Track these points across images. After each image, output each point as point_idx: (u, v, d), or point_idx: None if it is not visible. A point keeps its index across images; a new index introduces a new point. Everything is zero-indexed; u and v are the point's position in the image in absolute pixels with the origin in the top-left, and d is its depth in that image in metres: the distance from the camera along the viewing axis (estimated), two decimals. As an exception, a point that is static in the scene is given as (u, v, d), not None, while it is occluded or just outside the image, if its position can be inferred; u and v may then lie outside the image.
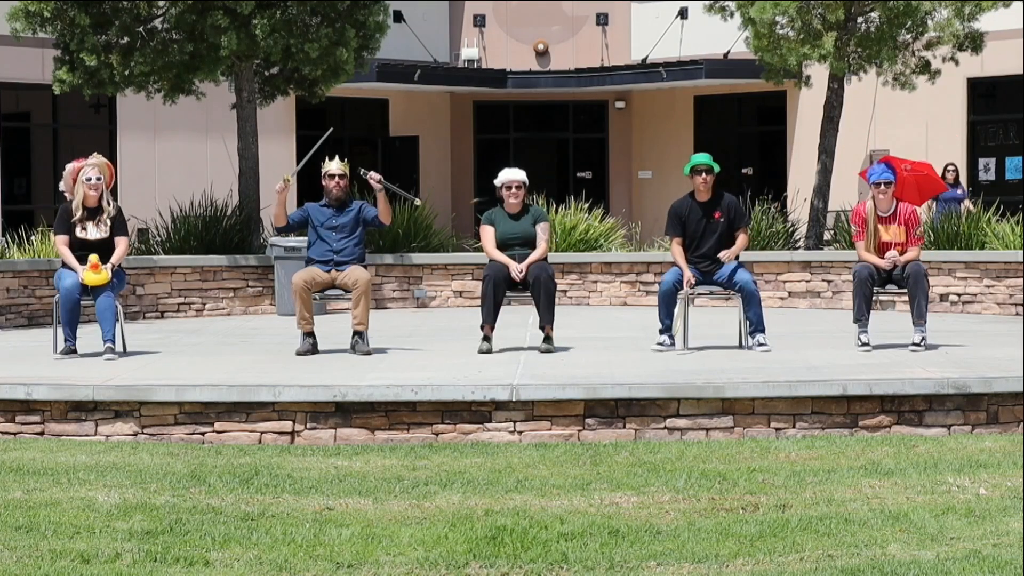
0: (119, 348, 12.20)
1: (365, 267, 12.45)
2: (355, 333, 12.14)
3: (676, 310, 12.26)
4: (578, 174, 28.14)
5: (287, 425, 9.81)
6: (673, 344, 12.18)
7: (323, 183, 12.51)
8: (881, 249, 12.16)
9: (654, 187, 27.44)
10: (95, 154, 12.54)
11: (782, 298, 17.97)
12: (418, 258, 18.54)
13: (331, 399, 9.79)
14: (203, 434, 9.84)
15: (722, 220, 12.21)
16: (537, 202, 12.62)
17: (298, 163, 12.44)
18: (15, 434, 9.98)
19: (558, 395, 9.76)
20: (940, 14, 18.96)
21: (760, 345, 12.00)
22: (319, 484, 8.21)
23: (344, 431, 9.78)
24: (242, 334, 14.75)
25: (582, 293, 18.58)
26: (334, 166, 12.53)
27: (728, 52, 25.71)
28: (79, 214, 12.19)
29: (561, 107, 28.50)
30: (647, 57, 27.02)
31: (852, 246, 15.42)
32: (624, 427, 9.74)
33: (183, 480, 8.33)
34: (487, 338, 12.11)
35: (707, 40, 25.87)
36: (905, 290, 12.10)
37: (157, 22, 18.02)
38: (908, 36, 19.22)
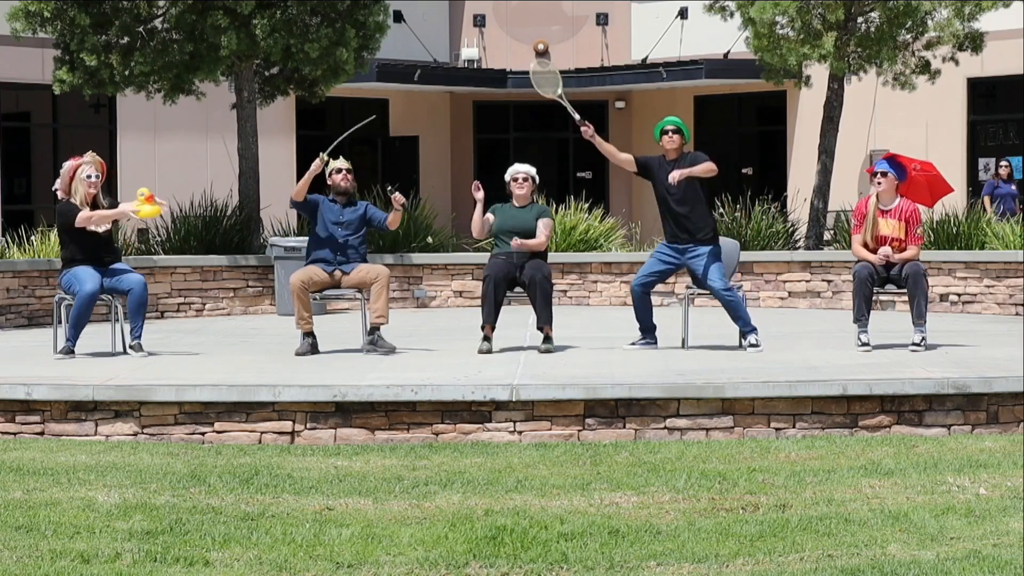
0: (118, 348, 12.24)
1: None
2: (373, 329, 12.08)
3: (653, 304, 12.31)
4: (578, 174, 28.15)
5: (287, 425, 9.81)
6: (654, 342, 12.22)
7: (329, 180, 12.50)
8: (878, 242, 12.13)
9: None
10: (90, 152, 12.55)
11: (782, 298, 17.97)
12: (418, 258, 18.54)
13: (331, 399, 9.79)
14: (203, 434, 9.84)
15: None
16: (538, 202, 12.60)
17: (333, 144, 12.51)
18: (15, 434, 9.98)
19: (558, 395, 9.76)
20: (940, 14, 18.97)
21: (752, 346, 12.01)
22: (319, 484, 8.21)
23: (344, 431, 9.78)
24: (242, 334, 14.75)
25: (582, 293, 18.58)
26: (340, 162, 12.58)
27: (728, 52, 25.71)
28: (86, 210, 12.21)
29: (561, 107, 28.50)
30: (647, 57, 27.02)
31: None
32: (624, 427, 9.74)
33: (183, 480, 8.33)
34: (487, 338, 12.11)
35: (707, 40, 25.86)
36: (905, 290, 12.10)
37: (157, 22, 18.02)
38: (908, 36, 19.22)
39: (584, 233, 19.23)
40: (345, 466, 8.79)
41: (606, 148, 12.60)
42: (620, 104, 28.02)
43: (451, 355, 12.01)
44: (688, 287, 12.85)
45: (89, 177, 12.18)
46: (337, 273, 12.31)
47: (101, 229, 12.24)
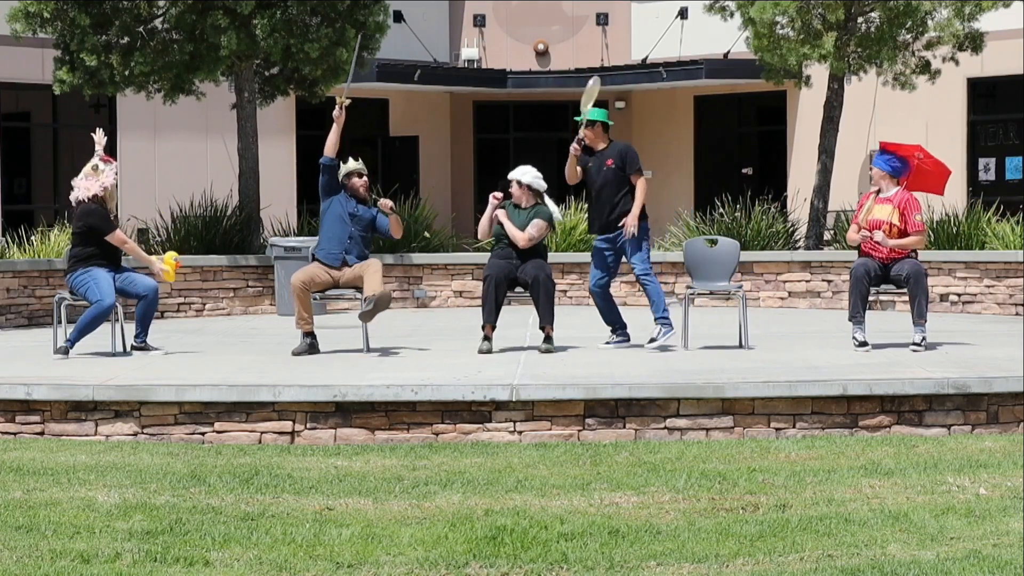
0: (118, 348, 12.26)
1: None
2: (368, 299, 12.14)
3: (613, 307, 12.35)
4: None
5: (287, 425, 9.81)
6: (629, 339, 12.26)
7: (346, 182, 12.51)
8: (870, 226, 12.08)
9: (654, 187, 27.35)
10: (102, 139, 12.62)
11: (782, 298, 17.98)
12: (418, 258, 18.54)
13: (331, 399, 9.79)
14: (203, 434, 9.84)
15: (614, 166, 12.23)
16: (545, 203, 12.58)
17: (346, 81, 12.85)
18: (15, 434, 9.98)
19: (558, 395, 9.76)
20: (940, 14, 18.96)
21: (651, 340, 12.11)
22: (319, 484, 8.21)
23: (344, 431, 9.78)
24: (242, 334, 14.75)
25: (582, 293, 18.57)
26: (357, 165, 12.61)
27: (728, 52, 25.70)
28: (121, 233, 12.41)
29: (561, 107, 28.49)
30: (647, 57, 27.01)
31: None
32: (624, 427, 9.74)
33: (183, 480, 8.33)
34: (487, 338, 12.12)
35: (707, 40, 25.85)
36: (904, 290, 12.09)
37: (157, 22, 18.03)
38: (908, 36, 19.22)
39: (584, 233, 19.22)
40: (345, 466, 8.79)
41: (572, 167, 12.46)
42: (620, 104, 28.01)
43: (451, 355, 12.01)
44: (688, 287, 12.86)
45: (114, 184, 12.39)
46: (335, 273, 12.31)
47: (158, 265, 12.51)
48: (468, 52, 27.91)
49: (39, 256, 16.86)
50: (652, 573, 6.33)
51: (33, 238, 17.47)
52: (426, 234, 14.22)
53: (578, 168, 12.45)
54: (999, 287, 16.59)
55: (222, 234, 18.37)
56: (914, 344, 11.94)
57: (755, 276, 17.94)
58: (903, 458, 8.82)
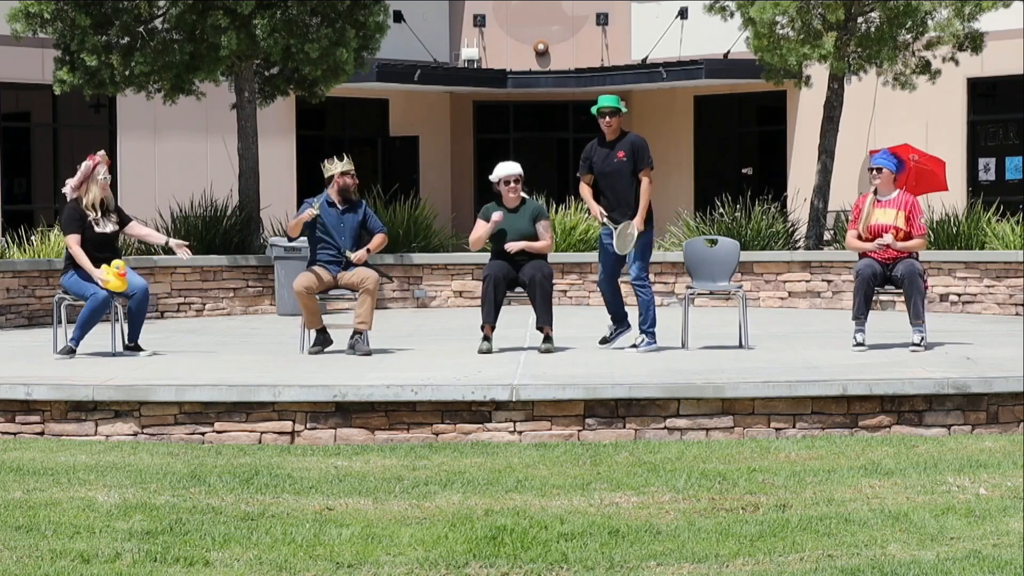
0: (119, 348, 12.27)
1: (371, 267, 12.48)
2: (355, 332, 12.11)
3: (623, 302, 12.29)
4: (578, 174, 28.14)
5: (287, 425, 9.81)
6: (629, 328, 12.18)
7: (336, 182, 12.40)
8: (872, 232, 12.09)
9: (654, 187, 27.41)
10: (101, 152, 12.58)
11: (782, 298, 17.98)
12: (418, 258, 18.55)
13: (331, 399, 9.79)
14: (203, 434, 9.84)
15: (625, 159, 12.15)
16: (537, 201, 12.56)
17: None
18: (15, 434, 9.98)
19: (558, 395, 9.76)
20: (940, 14, 18.96)
21: (633, 346, 12.02)
22: (319, 484, 8.21)
23: (344, 431, 9.78)
24: (242, 334, 14.75)
25: (582, 293, 18.58)
26: (343, 165, 12.49)
27: (728, 52, 25.70)
28: (95, 214, 12.21)
29: (561, 107, 28.48)
30: (647, 57, 27.01)
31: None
32: (624, 427, 9.74)
33: (183, 480, 8.33)
34: (487, 338, 12.11)
35: (707, 40, 25.85)
36: (902, 290, 12.11)
37: (157, 22, 18.03)
38: (908, 36, 19.22)
39: (584, 233, 19.24)
40: (345, 466, 8.79)
41: (591, 200, 12.40)
42: (620, 104, 28.00)
43: (451, 355, 12.01)
44: (688, 287, 12.86)
45: (105, 179, 12.27)
46: (342, 274, 12.31)
47: (108, 229, 12.27)
48: (468, 52, 27.91)
49: (39, 256, 16.86)
50: (652, 573, 6.33)
51: (33, 238, 17.46)
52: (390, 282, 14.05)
53: (589, 175, 12.39)
54: (999, 287, 16.59)
55: (222, 234, 18.37)
56: (913, 345, 11.94)
57: (755, 276, 17.94)
58: (903, 458, 8.82)
